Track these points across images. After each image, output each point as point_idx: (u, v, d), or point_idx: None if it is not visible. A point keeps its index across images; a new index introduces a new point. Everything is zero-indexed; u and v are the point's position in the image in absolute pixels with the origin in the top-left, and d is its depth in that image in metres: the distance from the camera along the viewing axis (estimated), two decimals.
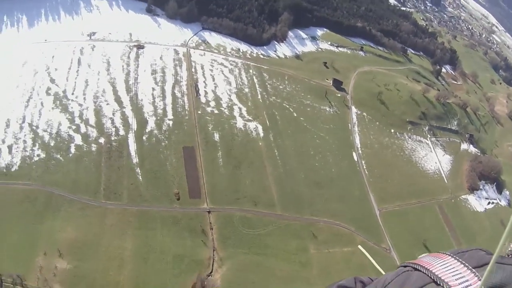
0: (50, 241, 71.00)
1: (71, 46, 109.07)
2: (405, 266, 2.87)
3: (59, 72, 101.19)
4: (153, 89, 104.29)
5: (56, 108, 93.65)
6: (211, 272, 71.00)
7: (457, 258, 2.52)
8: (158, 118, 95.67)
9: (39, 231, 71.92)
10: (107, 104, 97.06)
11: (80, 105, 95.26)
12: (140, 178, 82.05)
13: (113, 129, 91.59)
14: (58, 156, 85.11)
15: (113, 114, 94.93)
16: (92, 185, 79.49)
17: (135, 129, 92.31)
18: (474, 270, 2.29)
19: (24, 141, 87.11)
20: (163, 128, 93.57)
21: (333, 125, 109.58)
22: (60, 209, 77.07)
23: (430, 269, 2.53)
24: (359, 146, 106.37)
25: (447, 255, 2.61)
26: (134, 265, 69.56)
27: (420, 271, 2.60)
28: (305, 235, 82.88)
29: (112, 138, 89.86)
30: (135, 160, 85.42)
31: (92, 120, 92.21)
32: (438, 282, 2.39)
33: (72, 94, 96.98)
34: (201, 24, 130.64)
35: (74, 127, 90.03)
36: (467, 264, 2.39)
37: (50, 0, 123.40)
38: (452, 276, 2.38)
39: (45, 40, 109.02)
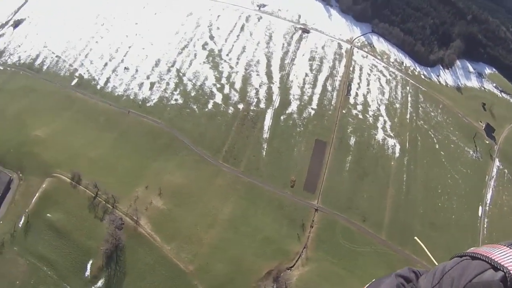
0: (156, 178, 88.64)
1: (238, 11, 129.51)
2: (460, 256, 3.59)
3: (220, 31, 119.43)
4: (306, 74, 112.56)
5: (207, 63, 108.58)
6: (291, 267, 76.87)
7: None
8: (302, 104, 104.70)
9: (150, 166, 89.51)
10: (257, 75, 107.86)
11: (231, 67, 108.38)
12: (264, 154, 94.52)
13: (255, 100, 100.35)
14: (194, 106, 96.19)
15: (260, 86, 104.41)
16: (216, 143, 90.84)
17: (276, 107, 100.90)
18: None
19: (167, 83, 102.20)
20: (303, 115, 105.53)
21: (470, 170, 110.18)
22: (178, 154, 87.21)
23: (489, 256, 3.27)
24: (488, 202, 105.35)
25: (503, 245, 3.37)
26: (223, 229, 79.93)
27: (479, 259, 3.35)
28: (398, 269, 73.23)
29: (251, 108, 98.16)
30: (266, 135, 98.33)
31: (238, 85, 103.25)
32: (498, 267, 3.10)
33: (227, 55, 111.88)
34: (371, 26, 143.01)
35: (218, 85, 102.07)
36: None
37: None
38: (510, 262, 3.12)
39: (256, 3, 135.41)
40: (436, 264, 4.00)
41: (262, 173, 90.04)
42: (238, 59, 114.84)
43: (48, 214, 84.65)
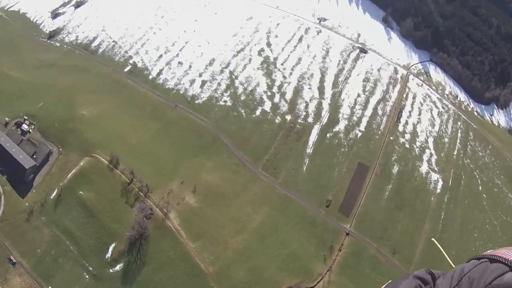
0: (193, 175, 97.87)
1: (299, 22, 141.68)
2: (478, 259, 4.20)
3: (278, 40, 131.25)
4: (358, 95, 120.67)
5: (261, 69, 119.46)
6: (312, 287, 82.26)
7: None
8: (350, 124, 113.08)
9: (189, 162, 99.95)
10: (309, 88, 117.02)
11: (284, 77, 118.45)
12: (304, 168, 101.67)
13: (304, 113, 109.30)
14: (242, 111, 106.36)
15: (310, 100, 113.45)
16: (258, 151, 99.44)
17: (324, 123, 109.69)
18: None
19: (219, 84, 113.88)
20: (350, 136, 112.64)
21: (510, 218, 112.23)
22: (218, 154, 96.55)
23: (509, 259, 3.79)
24: None
25: None
26: (250, 237, 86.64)
27: (498, 261, 3.87)
28: None
29: (299, 121, 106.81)
30: (309, 150, 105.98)
31: (289, 96, 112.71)
32: None
33: (281, 64, 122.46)
34: (430, 55, 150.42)
35: (269, 93, 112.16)
36: None
37: None
38: None
39: (277, 7, 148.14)
40: (453, 266, 4.62)
41: (299, 187, 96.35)
42: (292, 69, 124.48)
43: (80, 192, 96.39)
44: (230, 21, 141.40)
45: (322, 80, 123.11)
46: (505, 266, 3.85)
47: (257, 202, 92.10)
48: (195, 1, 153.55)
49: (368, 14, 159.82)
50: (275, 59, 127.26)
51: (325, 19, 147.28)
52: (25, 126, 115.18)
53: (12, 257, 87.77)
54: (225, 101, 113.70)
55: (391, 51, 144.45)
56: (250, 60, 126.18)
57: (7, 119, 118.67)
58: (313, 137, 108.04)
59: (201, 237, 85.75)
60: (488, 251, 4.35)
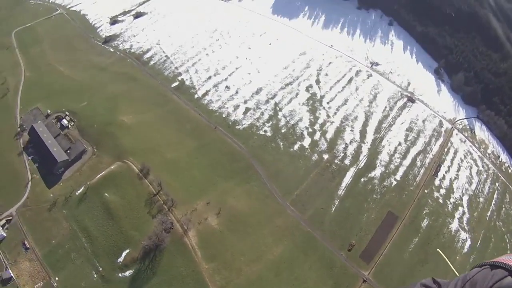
0: (219, 198, 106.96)
1: (351, 63, 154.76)
2: (480, 266, 5.18)
3: (327, 78, 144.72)
4: (399, 144, 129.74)
5: (306, 105, 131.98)
6: None
7: None
8: (387, 171, 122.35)
9: (218, 185, 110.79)
10: (351, 130, 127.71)
11: (328, 116, 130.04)
12: (333, 209, 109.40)
13: (342, 154, 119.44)
14: (281, 143, 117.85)
15: (350, 142, 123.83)
16: (290, 185, 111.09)
17: (360, 167, 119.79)
18: None
19: (262, 113, 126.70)
20: (384, 183, 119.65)
21: None
22: (249, 182, 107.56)
23: (509, 264, 4.80)
24: None
25: None
26: (265, 268, 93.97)
27: (499, 267, 4.86)
28: None
29: (335, 161, 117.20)
30: (341, 192, 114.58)
31: (329, 135, 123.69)
32: None
33: (327, 103, 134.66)
34: (477, 111, 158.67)
35: (310, 130, 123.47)
36: None
37: (356, 16, 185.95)
38: None
39: (331, 46, 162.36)
40: (458, 275, 5.41)
41: (325, 227, 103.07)
42: (337, 109, 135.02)
43: (106, 193, 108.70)
44: (283, 54, 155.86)
45: (365, 124, 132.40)
46: (505, 271, 4.72)
47: (279, 234, 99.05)
48: (252, 29, 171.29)
49: (421, 63, 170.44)
50: (322, 97, 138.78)
51: (377, 64, 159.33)
52: (65, 121, 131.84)
53: (26, 242, 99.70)
54: (265, 131, 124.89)
55: (439, 103, 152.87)
56: (297, 94, 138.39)
57: (49, 111, 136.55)
58: (347, 179, 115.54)
59: (216, 259, 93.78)
60: (492, 260, 5.19)
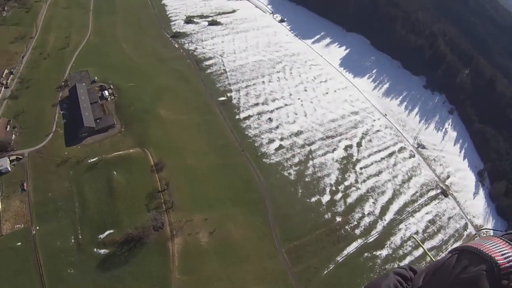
0: (219, 219, 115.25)
1: (398, 137, 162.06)
2: (454, 251, 5.45)
3: (370, 144, 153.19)
4: (417, 232, 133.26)
5: (338, 163, 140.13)
6: None
7: (504, 238, 5.08)
8: (393, 255, 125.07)
9: (224, 208, 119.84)
10: (373, 203, 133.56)
11: (356, 181, 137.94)
12: (325, 272, 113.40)
13: (355, 223, 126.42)
14: (300, 190, 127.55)
15: (368, 214, 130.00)
16: (292, 233, 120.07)
17: (368, 242, 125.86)
18: None
19: (293, 156, 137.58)
20: (387, 266, 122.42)
21: None
22: (254, 216, 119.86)
23: (479, 248, 4.97)
24: None
25: (495, 237, 5.17)
26: None
27: (470, 251, 5.09)
28: None
29: (346, 227, 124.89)
30: (340, 258, 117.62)
31: (350, 200, 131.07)
32: (487, 258, 4.76)
33: (360, 168, 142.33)
34: (507, 226, 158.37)
35: (334, 188, 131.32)
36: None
37: (419, 93, 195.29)
38: (499, 252, 4.85)
39: (385, 115, 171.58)
40: (434, 260, 5.89)
41: (310, 286, 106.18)
42: (367, 178, 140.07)
43: (114, 172, 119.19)
44: (336, 107, 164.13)
45: (390, 202, 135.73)
46: (475, 255, 4.96)
47: (262, 277, 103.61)
48: (315, 74, 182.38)
49: (467, 161, 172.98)
50: (357, 160, 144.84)
51: (424, 147, 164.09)
52: (106, 93, 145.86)
53: (25, 184, 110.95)
54: (289, 173, 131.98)
55: (472, 206, 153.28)
56: (334, 150, 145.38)
57: (96, 78, 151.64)
58: (351, 248, 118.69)
59: (190, 274, 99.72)
60: (466, 243, 5.52)
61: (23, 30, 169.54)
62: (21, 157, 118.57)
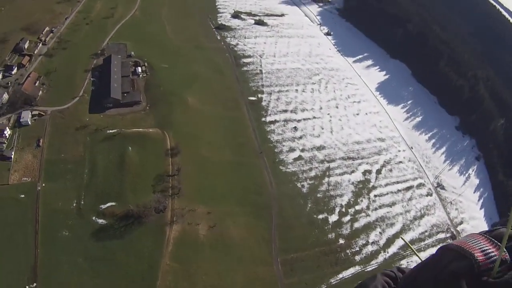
0: (221, 216, 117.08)
1: (419, 173, 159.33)
2: (440, 248, 5.65)
3: (389, 174, 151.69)
4: None
5: (353, 186, 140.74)
6: None
7: (486, 235, 5.32)
8: None
9: (229, 204, 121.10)
10: (380, 233, 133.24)
11: (367, 208, 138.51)
12: None
13: (357, 249, 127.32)
14: (309, 205, 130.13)
15: (372, 243, 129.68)
16: (292, 245, 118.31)
17: (366, 270, 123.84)
18: (496, 242, 5.10)
19: (310, 169, 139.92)
20: None
21: None
22: (259, 219, 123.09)
23: (460, 246, 5.23)
24: None
25: (477, 234, 5.45)
26: None
27: (452, 249, 5.31)
28: None
29: (347, 251, 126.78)
30: (334, 281, 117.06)
31: (358, 225, 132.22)
32: (467, 256, 5.01)
33: (374, 196, 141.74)
34: None
35: (343, 210, 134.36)
36: (492, 239, 5.19)
37: (450, 133, 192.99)
38: (479, 249, 5.07)
39: (411, 148, 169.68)
40: (421, 260, 6.02)
41: None
42: (379, 207, 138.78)
43: (130, 147, 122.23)
44: (363, 129, 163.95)
45: (396, 235, 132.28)
46: (456, 253, 5.18)
47: (251, 281, 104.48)
48: (350, 93, 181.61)
49: (484, 211, 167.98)
50: (373, 187, 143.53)
51: (443, 188, 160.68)
52: (139, 69, 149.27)
53: (41, 141, 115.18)
54: (302, 186, 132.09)
55: None
56: (352, 172, 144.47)
57: (133, 53, 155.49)
58: (347, 273, 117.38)
59: (181, 263, 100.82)
60: (453, 241, 5.72)
61: None
62: (43, 114, 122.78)
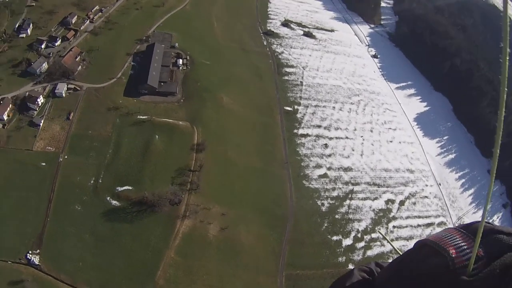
0: (236, 219, 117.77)
1: (443, 211, 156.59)
2: (416, 243, 5.58)
3: (412, 207, 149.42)
4: None
5: (374, 213, 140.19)
6: None
7: (461, 230, 5.19)
8: None
9: (245, 210, 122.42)
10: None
11: (384, 238, 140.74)
12: None
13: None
14: (325, 224, 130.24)
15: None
16: (300, 262, 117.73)
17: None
18: (472, 238, 4.89)
19: (334, 189, 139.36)
20: None
21: None
22: (271, 229, 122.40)
23: (436, 242, 5.10)
24: None
25: (453, 229, 5.33)
26: None
27: (430, 245, 5.16)
28: None
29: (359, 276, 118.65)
30: None
31: (371, 253, 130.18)
32: (442, 252, 4.86)
33: (393, 227, 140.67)
34: None
35: (359, 236, 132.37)
36: (469, 235, 5.02)
37: (481, 175, 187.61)
38: (454, 245, 4.91)
39: (439, 184, 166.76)
40: (400, 253, 5.92)
41: None
42: (396, 238, 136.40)
43: (157, 136, 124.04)
44: (394, 158, 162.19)
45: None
46: (433, 249, 5.04)
47: (255, 281, 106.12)
48: (387, 119, 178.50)
49: None
50: (393, 218, 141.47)
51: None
52: (180, 61, 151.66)
53: (71, 114, 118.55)
54: (322, 204, 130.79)
55: None
56: (375, 199, 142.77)
57: (177, 44, 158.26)
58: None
59: (186, 258, 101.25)
60: (430, 235, 5.51)
61: None
62: (79, 89, 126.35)
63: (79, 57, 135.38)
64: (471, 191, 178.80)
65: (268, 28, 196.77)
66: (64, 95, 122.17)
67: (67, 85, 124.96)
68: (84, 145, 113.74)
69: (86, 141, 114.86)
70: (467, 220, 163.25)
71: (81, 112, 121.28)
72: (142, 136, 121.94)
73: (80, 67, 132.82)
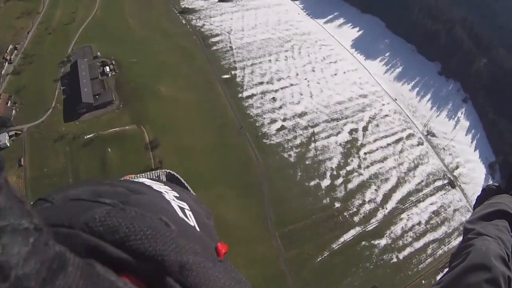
0: (211, 199, 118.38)
1: (407, 124, 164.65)
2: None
3: (376, 129, 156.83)
4: (419, 223, 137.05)
5: (342, 147, 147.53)
6: None
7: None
8: (392, 245, 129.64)
9: (217, 187, 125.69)
10: (376, 190, 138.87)
11: (359, 166, 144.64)
12: (318, 259, 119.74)
13: (354, 210, 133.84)
14: (299, 173, 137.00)
15: (369, 201, 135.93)
16: (287, 217, 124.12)
17: (367, 230, 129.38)
18: None
19: (295, 137, 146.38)
20: (384, 257, 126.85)
21: None
22: (249, 197, 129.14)
23: None
24: None
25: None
26: None
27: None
28: None
29: (345, 214, 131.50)
30: (336, 246, 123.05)
31: (351, 186, 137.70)
32: None
33: (364, 153, 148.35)
34: None
35: (335, 173, 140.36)
36: None
37: (433, 80, 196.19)
38: None
39: (395, 99, 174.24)
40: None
41: (301, 274, 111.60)
42: (371, 164, 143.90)
43: (109, 149, 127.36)
44: (344, 89, 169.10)
45: (393, 190, 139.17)
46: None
47: (252, 260, 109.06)
48: (324, 54, 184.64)
49: (478, 152, 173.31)
50: (362, 145, 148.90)
51: (433, 135, 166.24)
52: (107, 69, 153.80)
53: (22, 160, 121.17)
54: (289, 155, 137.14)
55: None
56: (338, 133, 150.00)
57: (99, 53, 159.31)
58: (348, 236, 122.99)
59: None
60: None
61: (30, 5, 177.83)
62: (20, 132, 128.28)
63: (9, 101, 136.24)
64: (428, 96, 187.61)
65: (183, 6, 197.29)
66: (8, 144, 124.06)
67: (8, 134, 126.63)
68: (44, 185, 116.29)
69: (45, 180, 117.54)
70: (433, 125, 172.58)
71: (30, 154, 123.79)
72: (95, 155, 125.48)
73: (14, 111, 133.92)
